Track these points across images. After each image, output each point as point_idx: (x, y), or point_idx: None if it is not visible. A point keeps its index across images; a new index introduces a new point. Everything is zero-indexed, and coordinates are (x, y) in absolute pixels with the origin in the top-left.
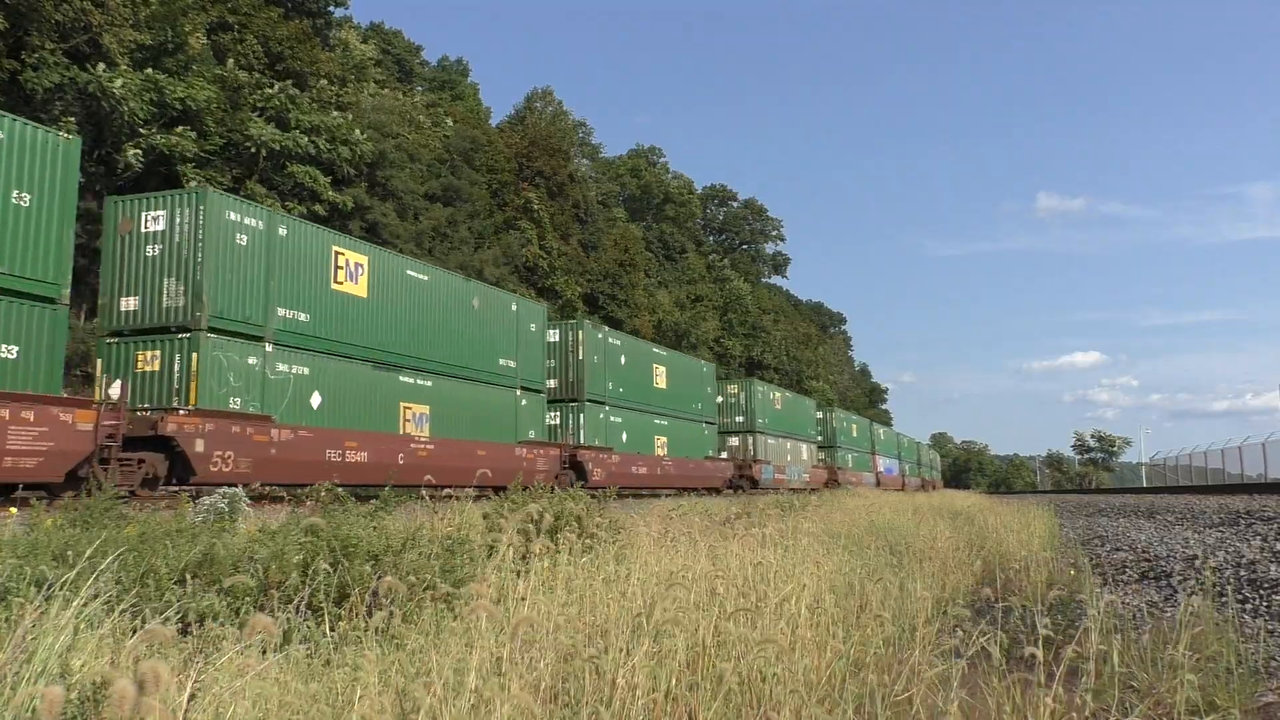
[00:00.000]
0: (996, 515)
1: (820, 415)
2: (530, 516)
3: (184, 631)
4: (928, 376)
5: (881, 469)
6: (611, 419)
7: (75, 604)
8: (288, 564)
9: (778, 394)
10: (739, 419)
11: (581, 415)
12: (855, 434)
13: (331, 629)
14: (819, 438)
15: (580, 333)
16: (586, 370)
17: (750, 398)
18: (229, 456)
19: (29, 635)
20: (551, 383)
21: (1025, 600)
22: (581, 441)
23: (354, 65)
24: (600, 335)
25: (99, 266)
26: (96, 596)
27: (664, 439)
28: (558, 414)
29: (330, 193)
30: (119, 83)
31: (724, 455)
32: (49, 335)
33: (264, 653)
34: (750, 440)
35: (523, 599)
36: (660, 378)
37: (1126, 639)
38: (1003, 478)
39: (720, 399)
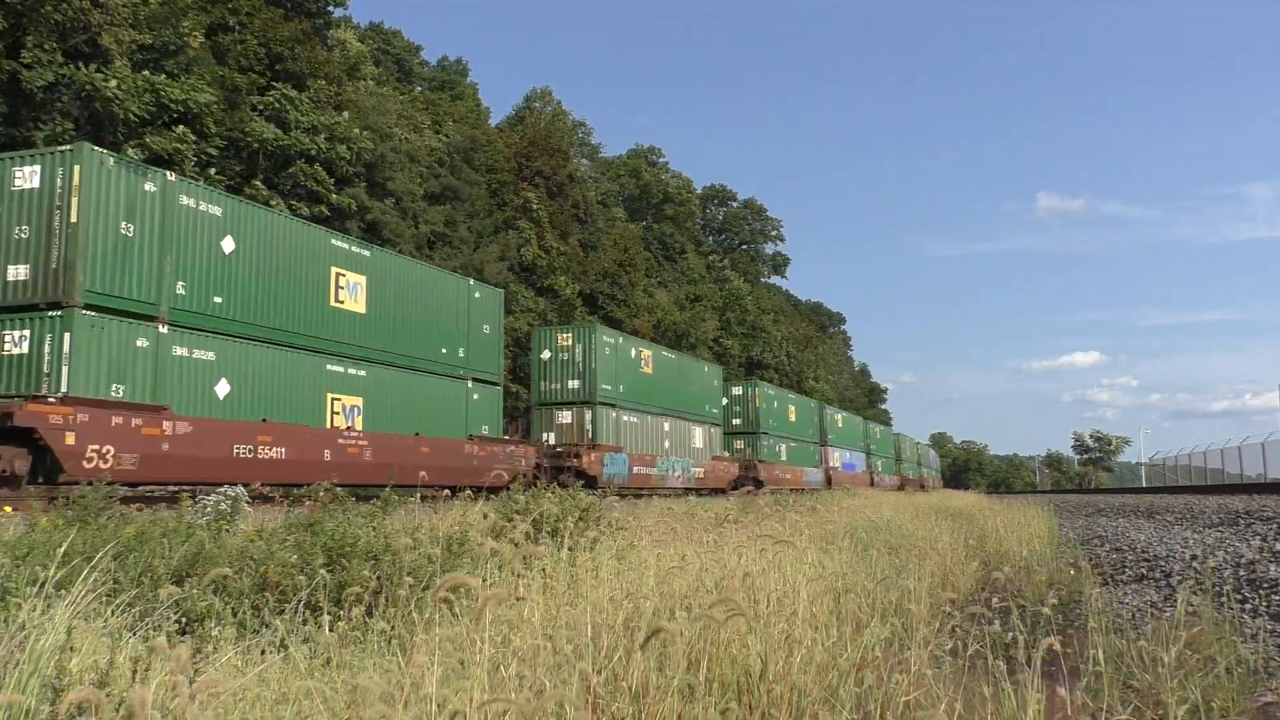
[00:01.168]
0: (996, 515)
1: (739, 391)
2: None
3: (183, 631)
4: (927, 376)
5: (837, 463)
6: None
7: (64, 603)
8: (285, 564)
9: (647, 351)
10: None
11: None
12: (795, 418)
13: (331, 629)
14: (733, 420)
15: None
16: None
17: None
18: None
19: (24, 634)
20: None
21: (1025, 600)
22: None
23: (350, 65)
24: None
25: None
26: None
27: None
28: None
29: (334, 194)
30: (113, 83)
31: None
32: None
33: (263, 653)
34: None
35: (520, 599)
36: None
37: (1126, 639)
38: (1002, 478)
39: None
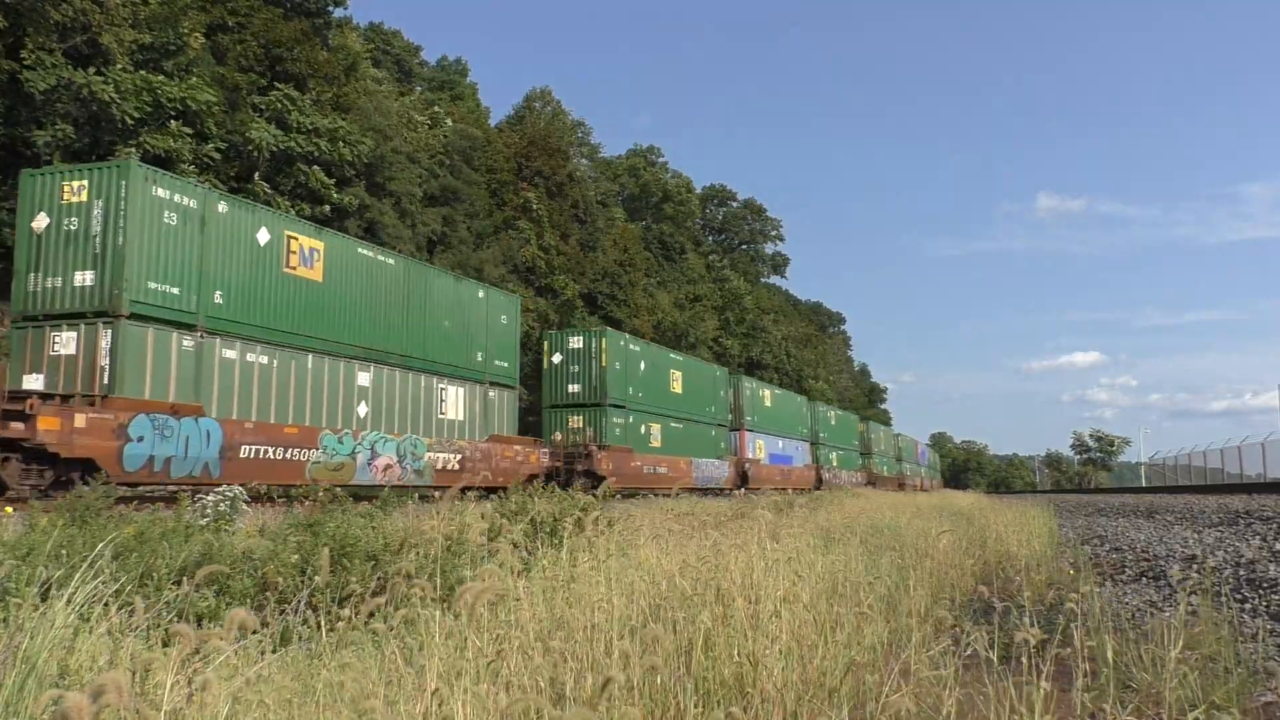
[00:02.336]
0: (996, 515)
1: (631, 347)
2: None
3: None
4: (927, 376)
5: (760, 456)
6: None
7: (62, 603)
8: (284, 564)
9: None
10: None
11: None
12: (680, 388)
13: (331, 629)
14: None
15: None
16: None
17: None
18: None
19: (23, 633)
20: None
21: (1024, 600)
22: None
23: (349, 65)
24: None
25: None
26: (94, 595)
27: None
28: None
29: (335, 194)
30: (110, 87)
31: None
32: None
33: (263, 654)
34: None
35: (518, 600)
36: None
37: (1125, 638)
38: (1002, 478)
39: None
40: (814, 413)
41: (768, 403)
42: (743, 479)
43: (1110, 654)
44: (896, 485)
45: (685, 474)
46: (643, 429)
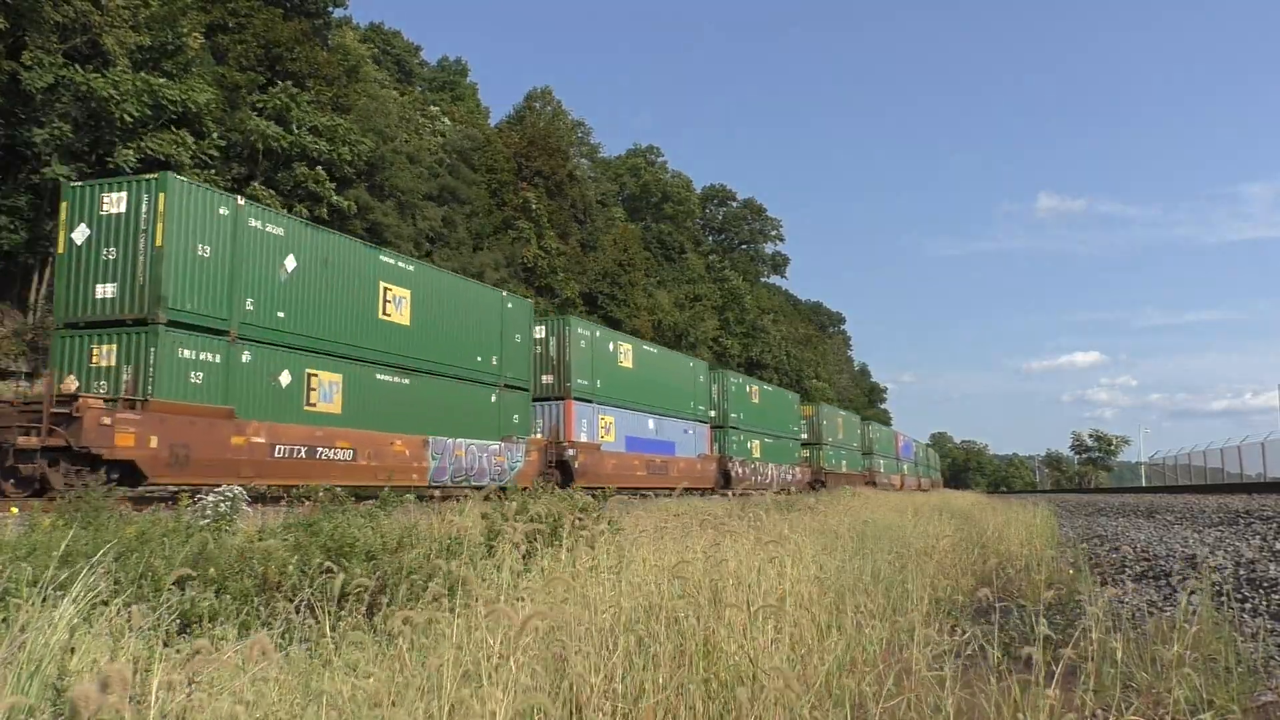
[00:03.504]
0: (996, 515)
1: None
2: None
3: (183, 630)
4: (927, 376)
5: (608, 437)
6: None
7: (65, 602)
8: (284, 564)
9: (626, 345)
10: None
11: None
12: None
13: (332, 629)
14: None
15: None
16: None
17: None
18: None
19: (24, 633)
20: (548, 378)
21: (1025, 600)
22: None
23: (350, 67)
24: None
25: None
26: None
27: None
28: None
29: (334, 195)
30: (109, 85)
31: None
32: None
33: (263, 654)
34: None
35: (520, 599)
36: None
37: (1125, 638)
38: (1002, 478)
39: None
40: (719, 382)
41: (627, 364)
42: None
43: (1119, 655)
44: (865, 482)
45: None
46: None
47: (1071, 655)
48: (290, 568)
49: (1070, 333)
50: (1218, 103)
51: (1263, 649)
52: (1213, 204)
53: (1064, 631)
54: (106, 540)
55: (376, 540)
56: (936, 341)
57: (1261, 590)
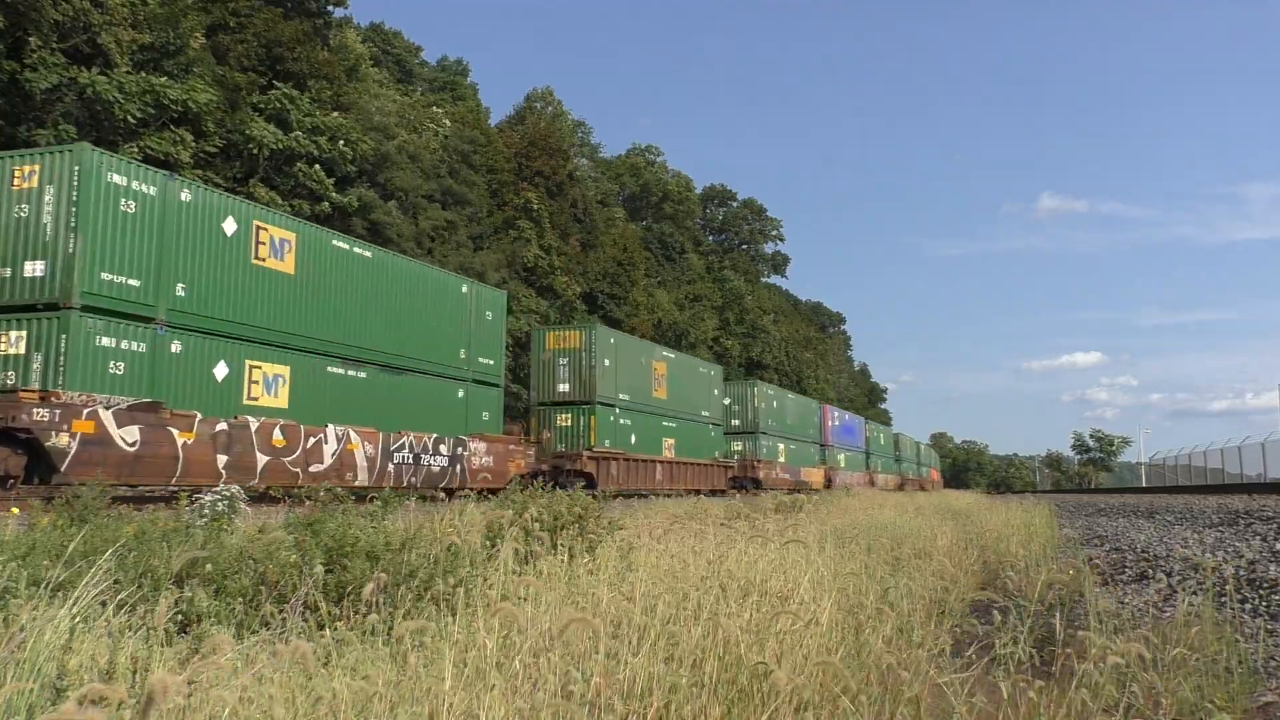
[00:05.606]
0: (996, 515)
1: (621, 343)
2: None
3: (183, 630)
4: (927, 376)
5: (781, 458)
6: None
7: (64, 602)
8: (284, 564)
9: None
10: None
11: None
12: (709, 394)
13: (332, 629)
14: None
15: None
16: (759, 413)
17: None
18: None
19: (24, 633)
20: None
21: (1025, 600)
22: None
23: (350, 67)
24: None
25: None
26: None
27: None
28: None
29: (334, 193)
30: (112, 85)
31: None
32: None
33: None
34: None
35: (523, 599)
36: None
37: (1126, 639)
38: (1002, 478)
39: None
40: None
41: (775, 405)
42: (829, 482)
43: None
44: (867, 482)
45: (797, 478)
46: (776, 448)
47: (1071, 655)
48: (291, 562)
49: (1070, 333)
50: (1218, 103)
51: (1263, 649)
52: (1213, 204)
53: (1064, 631)
54: (105, 539)
55: (379, 540)
56: (937, 341)
57: (1262, 591)
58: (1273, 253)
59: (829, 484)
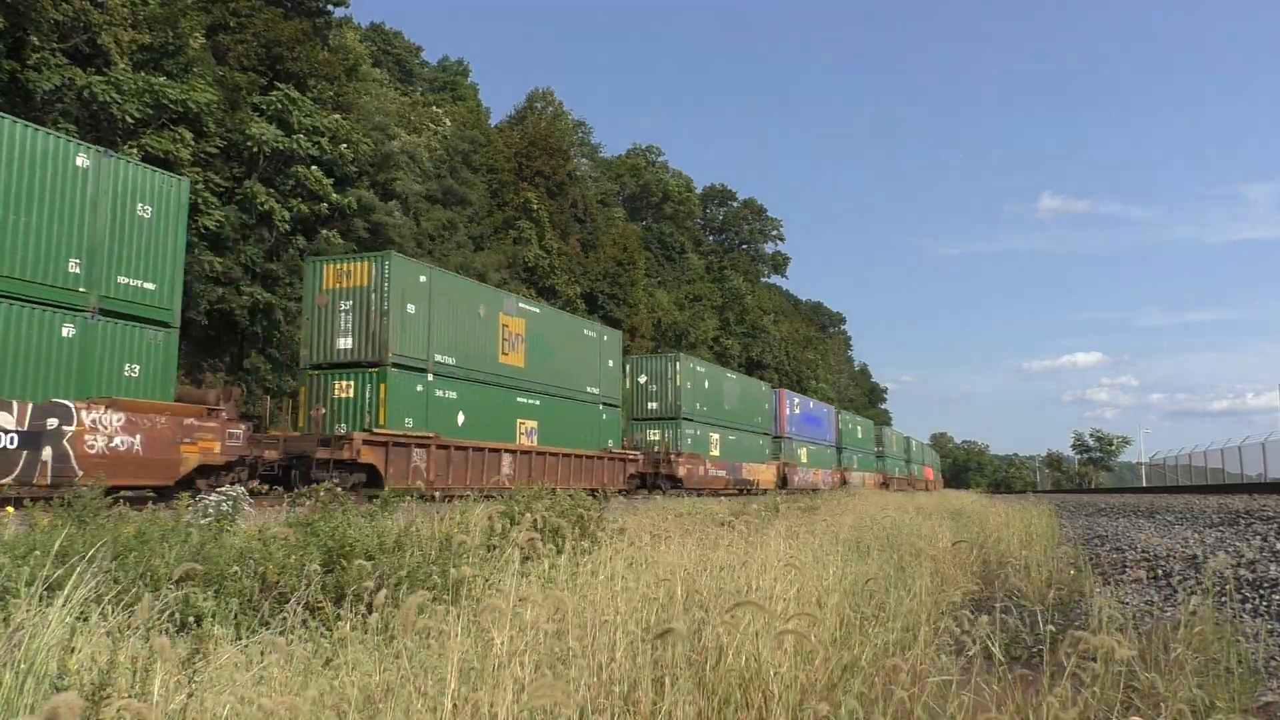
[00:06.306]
0: (996, 515)
1: (698, 368)
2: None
3: (182, 629)
4: (928, 376)
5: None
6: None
7: (60, 601)
8: (284, 564)
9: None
10: None
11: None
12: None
13: (331, 629)
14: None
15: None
16: (683, 394)
17: None
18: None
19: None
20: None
21: (1026, 600)
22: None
23: (350, 67)
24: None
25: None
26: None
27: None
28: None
29: (334, 194)
30: (110, 87)
31: None
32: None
33: (263, 653)
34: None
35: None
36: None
37: (1126, 639)
38: (1002, 477)
39: None
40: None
41: (706, 385)
42: (784, 481)
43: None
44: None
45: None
46: (706, 438)
47: (1072, 655)
48: (290, 563)
49: (1071, 333)
50: (1218, 103)
51: (1264, 649)
52: (1213, 204)
53: (1065, 631)
54: (105, 539)
55: (374, 541)
56: (937, 341)
57: (1262, 590)
58: (1273, 253)
59: (784, 483)
